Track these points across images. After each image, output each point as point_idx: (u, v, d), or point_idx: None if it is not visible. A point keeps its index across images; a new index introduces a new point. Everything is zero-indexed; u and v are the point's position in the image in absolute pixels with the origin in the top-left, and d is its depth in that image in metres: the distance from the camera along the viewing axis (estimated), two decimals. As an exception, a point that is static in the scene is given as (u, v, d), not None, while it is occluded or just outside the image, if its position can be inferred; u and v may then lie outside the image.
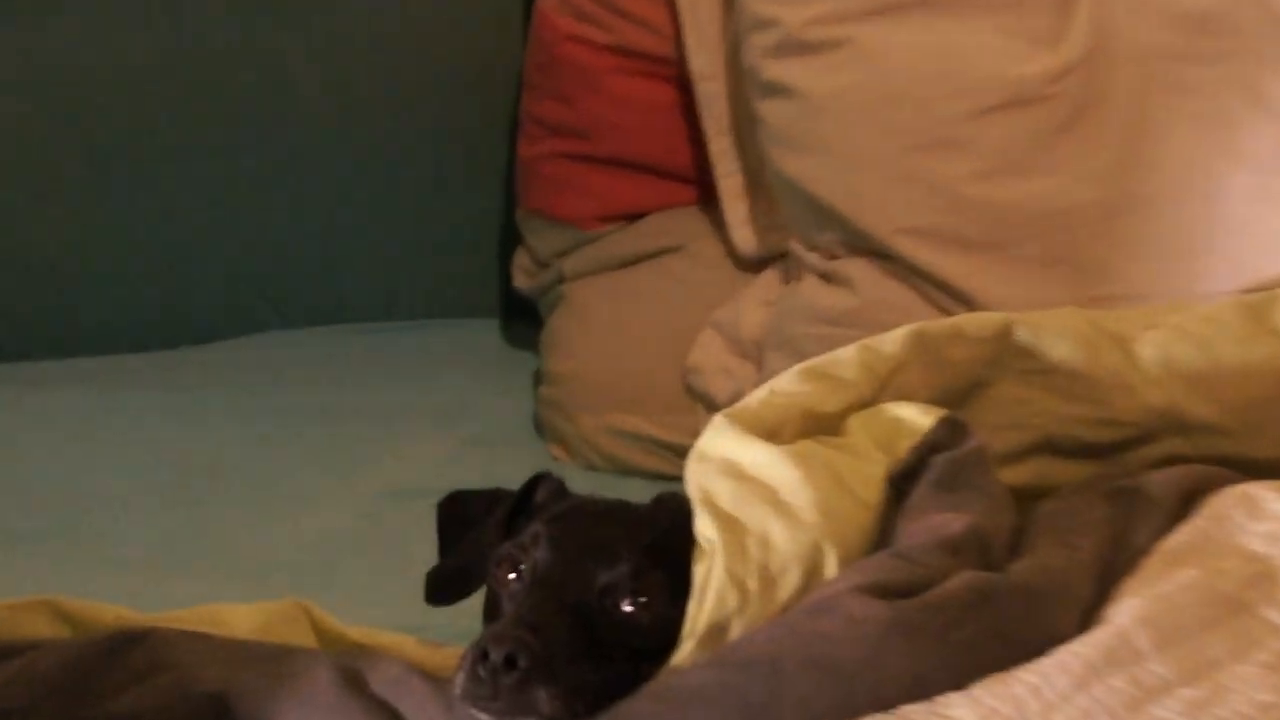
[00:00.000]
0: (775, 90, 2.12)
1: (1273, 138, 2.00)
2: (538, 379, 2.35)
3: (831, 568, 1.28)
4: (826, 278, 2.10)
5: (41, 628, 1.39)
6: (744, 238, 2.24)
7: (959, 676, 1.20)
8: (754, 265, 2.24)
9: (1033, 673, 1.19)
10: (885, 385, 1.44)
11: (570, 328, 2.33)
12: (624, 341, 2.27)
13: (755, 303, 2.19)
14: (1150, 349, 1.50)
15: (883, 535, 1.33)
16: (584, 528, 1.31)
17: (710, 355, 2.19)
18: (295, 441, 2.21)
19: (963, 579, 1.25)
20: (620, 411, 2.22)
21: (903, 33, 2.07)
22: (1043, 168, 2.02)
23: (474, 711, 1.22)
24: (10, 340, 2.46)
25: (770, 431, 1.36)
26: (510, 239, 2.50)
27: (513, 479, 1.41)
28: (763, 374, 2.02)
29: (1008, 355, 1.48)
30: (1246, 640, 1.23)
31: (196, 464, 2.16)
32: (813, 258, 2.11)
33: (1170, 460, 1.47)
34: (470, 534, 1.39)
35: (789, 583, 1.27)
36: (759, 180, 2.21)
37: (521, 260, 2.45)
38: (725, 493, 1.31)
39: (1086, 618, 1.27)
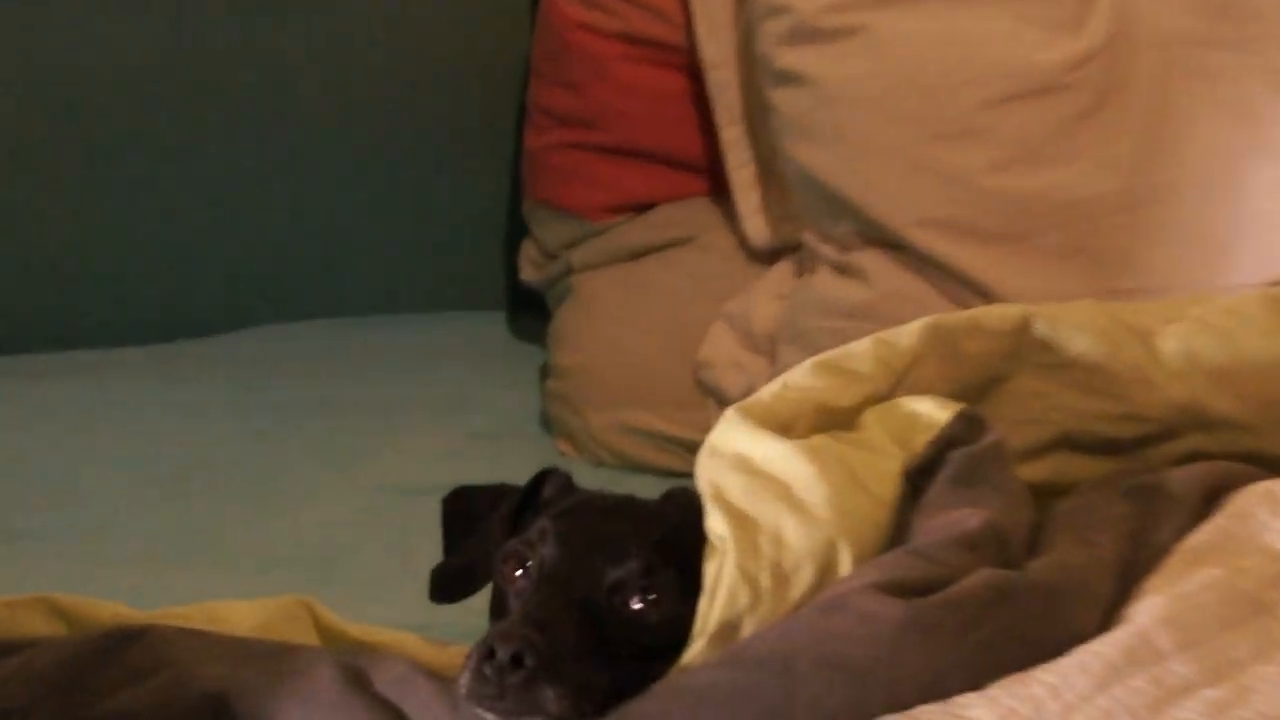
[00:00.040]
0: (788, 78, 2.12)
1: (1298, 126, 2.00)
2: (544, 373, 2.35)
3: (845, 565, 1.28)
4: (841, 270, 2.10)
5: (38, 625, 1.39)
6: (756, 229, 2.24)
7: (976, 676, 1.20)
8: (766, 257, 2.24)
9: (1052, 673, 1.19)
10: (901, 379, 1.43)
11: (578, 321, 2.33)
12: (633, 335, 2.27)
13: (768, 295, 2.19)
14: (1172, 342, 1.50)
15: (898, 532, 1.32)
16: (592, 524, 1.31)
17: (721, 349, 2.19)
18: (296, 436, 2.21)
19: (980, 577, 1.25)
20: (629, 406, 2.22)
21: (919, 19, 2.07)
22: (1062, 157, 2.02)
23: (480, 711, 1.22)
24: (9, 334, 2.46)
25: (783, 426, 1.36)
26: (517, 231, 2.50)
27: (518, 474, 1.41)
28: (775, 368, 2.02)
29: (1026, 349, 1.48)
30: (1269, 640, 1.23)
31: (196, 459, 2.16)
32: (827, 249, 2.11)
33: (1192, 457, 1.47)
34: (476, 530, 1.38)
35: (802, 580, 1.27)
36: (771, 170, 2.21)
37: (528, 252, 2.45)
38: (737, 488, 1.31)
39: (1107, 617, 1.27)
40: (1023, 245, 2.01)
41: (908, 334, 1.45)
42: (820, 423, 1.39)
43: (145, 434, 2.23)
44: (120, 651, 1.32)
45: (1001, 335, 1.47)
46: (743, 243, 2.26)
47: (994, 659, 1.21)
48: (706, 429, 1.39)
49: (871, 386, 1.42)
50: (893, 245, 2.05)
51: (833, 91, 2.08)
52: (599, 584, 1.27)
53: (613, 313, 2.30)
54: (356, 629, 1.42)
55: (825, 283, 2.11)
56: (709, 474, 1.33)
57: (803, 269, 2.18)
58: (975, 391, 1.46)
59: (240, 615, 1.41)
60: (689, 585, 1.28)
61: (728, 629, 1.25)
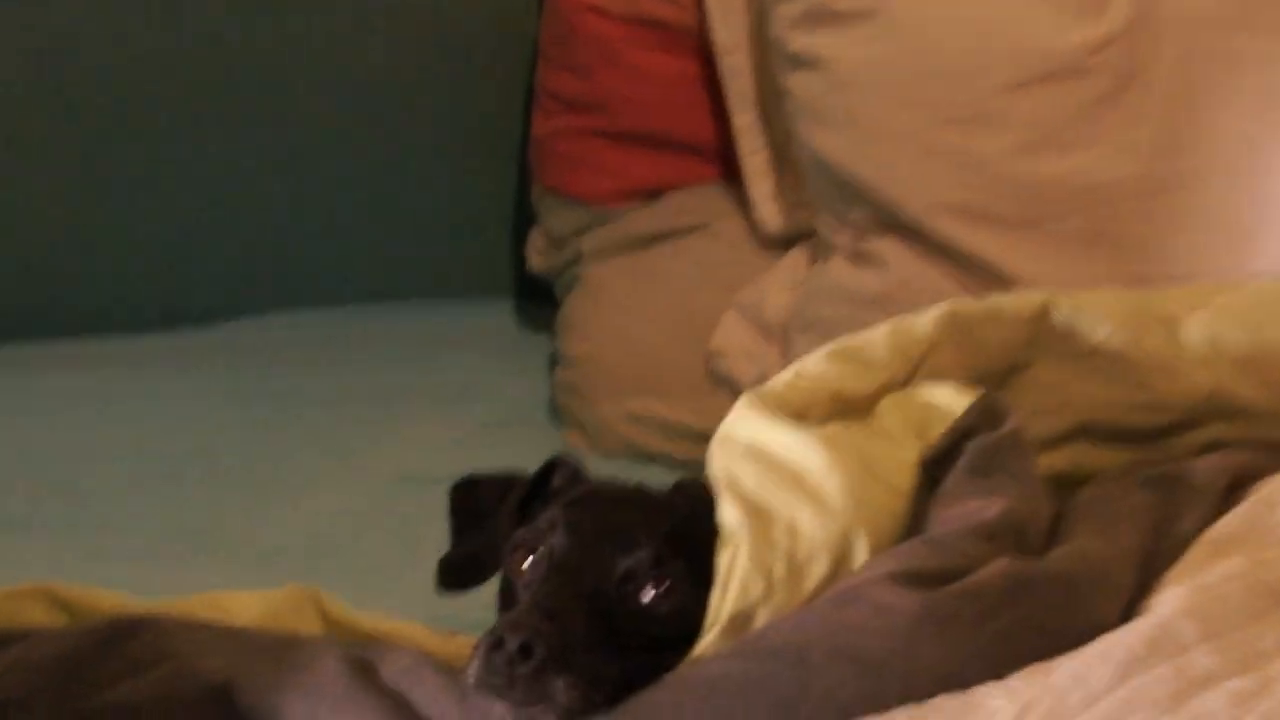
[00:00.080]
0: (802, 62, 2.12)
1: (1325, 112, 2.00)
2: (552, 362, 2.36)
3: (861, 555, 1.29)
4: (856, 257, 2.10)
5: (38, 616, 1.39)
6: (769, 216, 2.24)
7: (995, 667, 1.20)
8: (779, 245, 2.25)
9: (1073, 663, 1.19)
10: (917, 367, 1.44)
11: (587, 310, 2.33)
12: (644, 324, 2.27)
13: (781, 284, 2.19)
14: (1196, 330, 1.50)
15: (915, 522, 1.33)
16: (602, 513, 1.32)
17: (734, 338, 2.20)
18: (300, 426, 2.22)
19: (998, 567, 1.25)
20: (640, 396, 2.22)
21: (936, 2, 2.07)
22: (1083, 142, 2.02)
23: (488, 702, 1.22)
24: (8, 322, 2.47)
25: (797, 414, 1.37)
26: (524, 218, 2.51)
27: (526, 464, 1.41)
28: (788, 358, 2.02)
29: (1046, 337, 1.48)
30: (1295, 632, 1.23)
31: (197, 448, 2.17)
32: (841, 236, 2.11)
33: (1215, 446, 1.47)
34: (484, 519, 1.39)
35: (816, 571, 1.28)
36: (785, 156, 2.21)
37: (536, 240, 2.46)
38: (750, 477, 1.32)
39: (1128, 607, 1.27)
40: (1041, 231, 2.01)
41: (924, 321, 1.45)
42: (835, 411, 1.39)
43: (146, 424, 2.24)
44: (121, 643, 1.32)
45: (1020, 323, 1.47)
46: (755, 230, 2.26)
47: (1013, 650, 1.21)
48: (717, 419, 1.39)
49: (887, 374, 1.42)
50: (908, 232, 2.05)
51: (847, 75, 2.08)
52: (609, 574, 1.27)
53: (622, 301, 2.30)
54: (363, 619, 1.43)
55: (840, 270, 2.11)
56: (721, 463, 1.34)
57: (816, 257, 2.18)
58: (994, 380, 1.46)
59: (245, 606, 1.41)
60: (700, 576, 1.29)
61: (740, 620, 1.26)
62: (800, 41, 2.12)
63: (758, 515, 1.29)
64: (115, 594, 1.42)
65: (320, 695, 1.27)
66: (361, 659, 1.30)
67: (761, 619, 1.26)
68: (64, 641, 1.33)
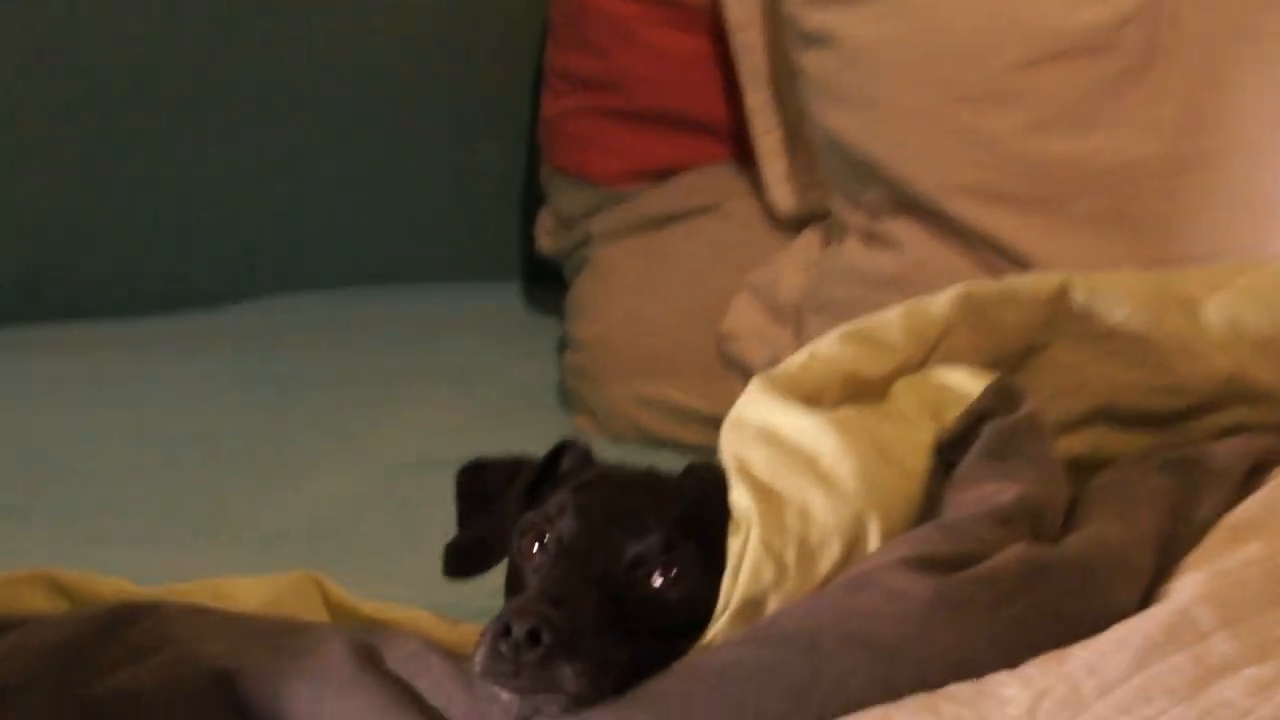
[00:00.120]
0: (816, 40, 2.12)
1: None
2: (561, 346, 2.36)
3: (874, 540, 1.29)
4: (870, 238, 2.10)
5: (38, 601, 1.40)
6: (782, 196, 2.24)
7: (1010, 654, 1.20)
8: (793, 226, 2.25)
9: (1089, 650, 1.19)
10: (932, 349, 1.44)
11: (597, 292, 2.33)
12: (654, 306, 2.27)
13: (794, 265, 2.19)
14: (1217, 312, 1.50)
15: (929, 506, 1.33)
16: (612, 497, 1.32)
17: (746, 321, 2.20)
18: (303, 409, 2.23)
19: (1013, 552, 1.25)
20: (649, 379, 2.22)
21: (948, -22, 2.08)
22: (1101, 121, 2.02)
23: (495, 689, 1.22)
24: (9, 305, 2.47)
25: (810, 397, 1.37)
26: (533, 199, 2.51)
27: (533, 448, 1.41)
28: (801, 340, 2.02)
29: (1063, 318, 1.48)
30: (1315, 619, 1.23)
31: (200, 432, 2.17)
32: (856, 217, 2.11)
33: (1235, 430, 1.47)
34: (491, 504, 1.39)
35: (829, 556, 1.28)
36: (798, 135, 2.21)
37: (546, 221, 2.46)
38: (762, 461, 1.32)
39: (1147, 593, 1.27)
40: (1059, 211, 2.01)
41: (939, 302, 1.45)
42: (848, 394, 1.39)
43: (147, 407, 2.24)
44: (121, 629, 1.33)
45: (1038, 304, 1.47)
46: (768, 211, 2.26)
47: (1028, 636, 1.21)
48: (729, 402, 1.39)
49: (902, 356, 1.42)
50: (924, 212, 2.05)
51: (860, 53, 2.08)
52: (619, 559, 1.27)
53: (632, 283, 2.30)
54: (367, 606, 1.43)
55: (854, 252, 2.11)
56: (733, 446, 1.34)
57: (830, 238, 2.18)
58: (1010, 362, 1.46)
59: (248, 592, 1.41)
60: (711, 561, 1.29)
61: (751, 606, 1.26)
62: (813, 19, 2.12)
63: (769, 499, 1.29)
64: (115, 580, 1.42)
65: (325, 681, 1.27)
66: (366, 645, 1.30)
67: (773, 605, 1.26)
68: (64, 627, 1.33)
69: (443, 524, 1.41)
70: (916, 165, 2.05)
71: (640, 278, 2.30)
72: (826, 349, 1.41)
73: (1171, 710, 1.13)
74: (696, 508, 1.32)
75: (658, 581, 1.27)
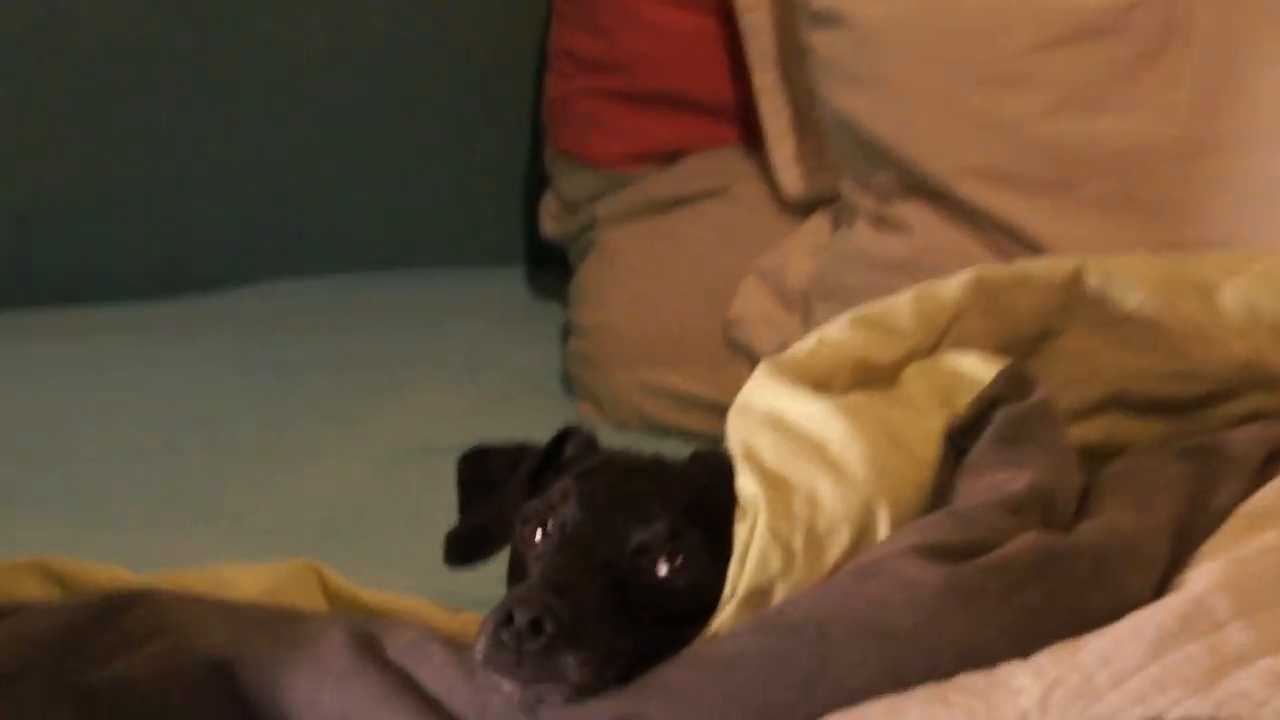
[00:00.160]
0: (826, 19, 2.11)
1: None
2: (565, 332, 2.36)
3: (883, 528, 1.29)
4: (880, 222, 2.10)
5: (32, 589, 1.40)
6: (791, 179, 2.24)
7: (1022, 644, 1.20)
8: (801, 209, 2.25)
9: (1103, 640, 1.19)
10: (943, 334, 1.43)
11: (602, 277, 2.33)
12: (659, 291, 2.27)
13: (803, 250, 2.19)
14: (1234, 297, 1.49)
15: (939, 494, 1.33)
16: (617, 483, 1.31)
17: (754, 306, 2.20)
18: (304, 395, 2.23)
19: (1025, 540, 1.25)
20: (655, 366, 2.22)
21: (957, -43, 2.07)
22: (1116, 103, 2.02)
23: (496, 679, 1.22)
24: (7, 288, 2.47)
25: (818, 382, 1.36)
26: (537, 182, 2.50)
27: (537, 435, 1.41)
28: (810, 326, 2.01)
29: (1077, 303, 1.47)
30: (1332, 609, 1.23)
31: (200, 418, 2.17)
32: (866, 201, 2.11)
33: (1252, 417, 1.47)
34: (493, 491, 1.39)
35: (837, 544, 1.28)
36: (808, 117, 2.21)
37: (550, 205, 2.45)
38: (769, 447, 1.31)
39: (1162, 582, 1.27)
40: (1072, 195, 2.01)
41: (950, 287, 1.44)
42: (858, 379, 1.39)
43: (147, 392, 2.25)
44: (117, 617, 1.33)
45: (1051, 288, 1.47)
46: (776, 194, 2.26)
47: (1040, 626, 1.21)
48: (735, 389, 1.39)
49: (912, 342, 1.42)
50: (935, 195, 2.05)
51: (873, 33, 2.08)
52: (623, 546, 1.27)
53: (638, 268, 2.30)
54: (367, 594, 1.43)
55: (863, 236, 2.11)
56: (740, 432, 1.34)
57: (840, 222, 2.18)
58: (1022, 348, 1.46)
59: (246, 580, 1.41)
60: (717, 550, 1.29)
61: (758, 594, 1.26)
62: (824, -2, 2.12)
63: (777, 486, 1.29)
64: (111, 567, 1.42)
65: (324, 671, 1.27)
66: (366, 634, 1.30)
67: (780, 593, 1.26)
68: (59, 615, 1.33)
69: (444, 511, 1.41)
70: (927, 146, 2.05)
71: (646, 262, 2.30)
72: (836, 334, 1.41)
73: (1186, 701, 1.13)
74: (702, 495, 1.31)
75: (663, 569, 1.27)
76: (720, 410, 1.39)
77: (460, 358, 2.33)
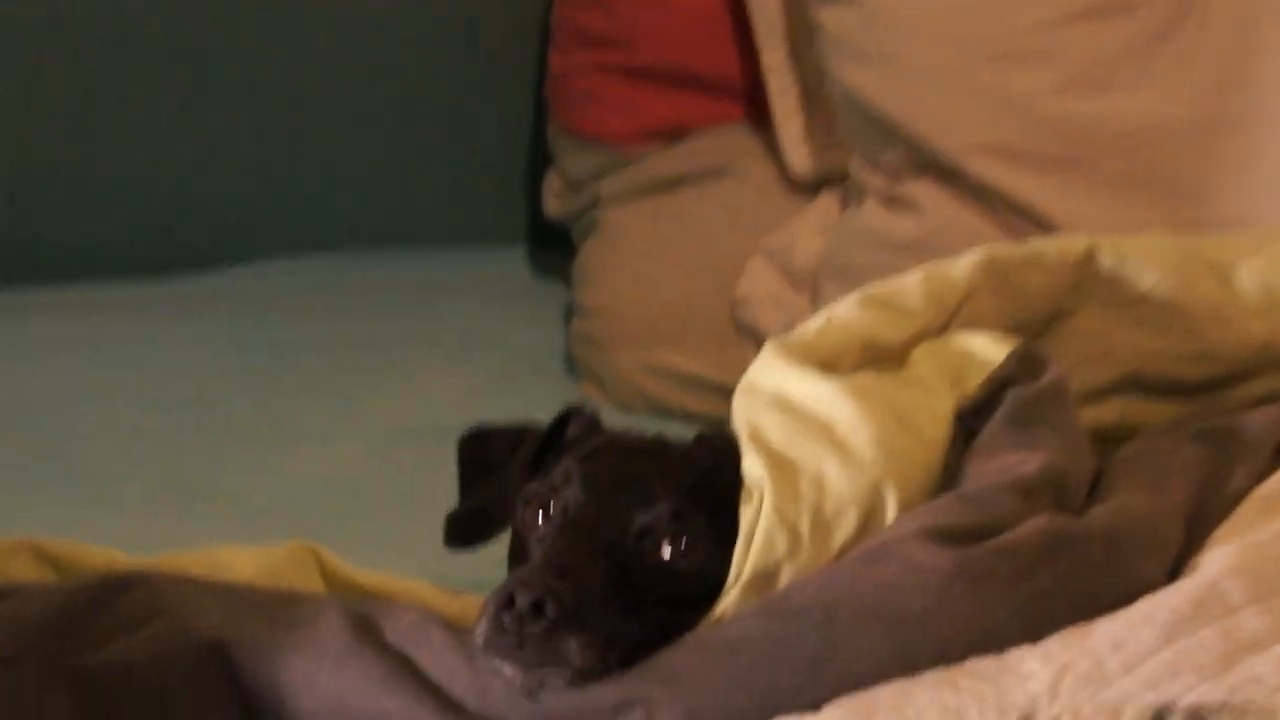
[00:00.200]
0: (835, -6, 2.11)
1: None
2: (568, 312, 2.36)
3: (891, 511, 1.28)
4: (890, 201, 2.10)
5: (24, 571, 1.40)
6: (799, 158, 2.24)
7: (1032, 628, 1.20)
8: (809, 188, 2.25)
9: (1114, 624, 1.19)
10: (953, 314, 1.43)
11: (605, 256, 2.33)
12: (664, 271, 2.27)
13: (811, 229, 2.19)
14: (1251, 278, 1.49)
15: (949, 476, 1.32)
16: (620, 465, 1.31)
17: (760, 286, 2.19)
18: (303, 375, 2.23)
19: (1036, 523, 1.24)
20: (659, 347, 2.22)
21: (969, -68, 2.07)
22: (1130, 81, 2.02)
23: (497, 662, 1.22)
24: (4, 267, 2.47)
25: (826, 362, 1.36)
26: (540, 160, 2.50)
27: (538, 417, 1.41)
28: (818, 306, 2.01)
29: (1091, 283, 1.47)
30: (1348, 595, 1.22)
31: (196, 397, 2.18)
32: (875, 179, 2.11)
33: (1268, 399, 1.47)
34: (494, 472, 1.39)
35: (844, 526, 1.27)
36: (816, 94, 2.21)
37: (552, 183, 2.45)
38: (775, 428, 1.31)
39: (1175, 566, 1.27)
40: (1084, 173, 2.01)
41: (961, 266, 1.44)
42: (866, 360, 1.38)
43: (142, 371, 2.25)
44: (112, 599, 1.33)
45: (1064, 268, 1.46)
46: (784, 173, 2.26)
47: (1051, 610, 1.21)
48: (740, 370, 1.39)
49: (922, 322, 1.41)
50: (945, 173, 2.05)
51: (882, 9, 2.08)
52: (626, 529, 1.27)
53: (642, 247, 2.30)
54: (365, 577, 1.43)
55: (873, 215, 2.11)
56: (746, 413, 1.33)
57: (848, 200, 2.17)
58: (1034, 328, 1.45)
59: (243, 562, 1.41)
60: (722, 532, 1.28)
61: (764, 577, 1.25)
62: (832, -27, 2.11)
63: (783, 467, 1.29)
64: (105, 549, 1.42)
65: (321, 654, 1.27)
66: (364, 616, 1.29)
67: (786, 577, 1.26)
68: (54, 598, 1.33)
69: (444, 493, 1.41)
70: (936, 123, 2.05)
71: (650, 242, 2.30)
72: (844, 314, 1.40)
73: (1199, 686, 1.13)
74: (707, 476, 1.31)
75: (666, 552, 1.27)
76: (725, 391, 1.39)
77: (462, 338, 2.33)
